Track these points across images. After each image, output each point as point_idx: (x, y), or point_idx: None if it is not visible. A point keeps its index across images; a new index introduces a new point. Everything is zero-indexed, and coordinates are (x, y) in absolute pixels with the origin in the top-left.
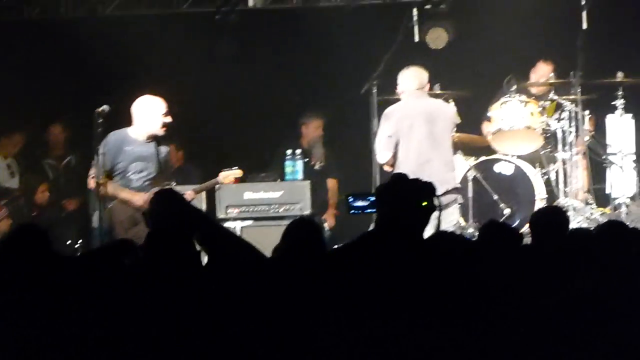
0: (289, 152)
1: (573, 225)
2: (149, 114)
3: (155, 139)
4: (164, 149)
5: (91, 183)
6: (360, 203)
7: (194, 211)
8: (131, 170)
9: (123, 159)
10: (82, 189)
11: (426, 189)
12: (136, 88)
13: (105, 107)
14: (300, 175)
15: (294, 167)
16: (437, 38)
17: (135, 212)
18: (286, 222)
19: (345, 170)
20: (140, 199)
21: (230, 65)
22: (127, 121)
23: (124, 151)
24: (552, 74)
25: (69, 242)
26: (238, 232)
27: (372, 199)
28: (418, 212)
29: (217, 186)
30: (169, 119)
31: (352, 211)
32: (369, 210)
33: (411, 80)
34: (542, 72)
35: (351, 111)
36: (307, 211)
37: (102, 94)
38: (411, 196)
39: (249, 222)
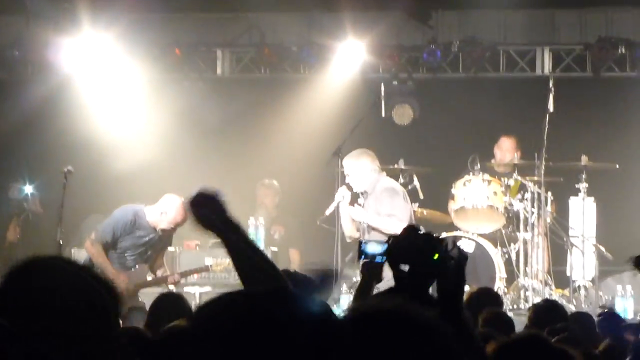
0: (251, 219)
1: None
2: (174, 219)
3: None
4: (165, 238)
5: (88, 246)
6: (372, 250)
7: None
8: (131, 251)
9: (129, 239)
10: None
11: (440, 241)
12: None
13: (70, 168)
14: (261, 244)
15: (256, 235)
16: (403, 114)
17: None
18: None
19: (306, 242)
20: (123, 282)
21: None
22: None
23: (133, 233)
24: (516, 154)
25: None
26: (197, 299)
27: (385, 247)
28: (432, 265)
29: (177, 249)
30: (176, 226)
31: (363, 258)
32: (379, 260)
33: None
34: (506, 147)
35: (313, 181)
36: None
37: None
38: (427, 248)
39: (208, 289)
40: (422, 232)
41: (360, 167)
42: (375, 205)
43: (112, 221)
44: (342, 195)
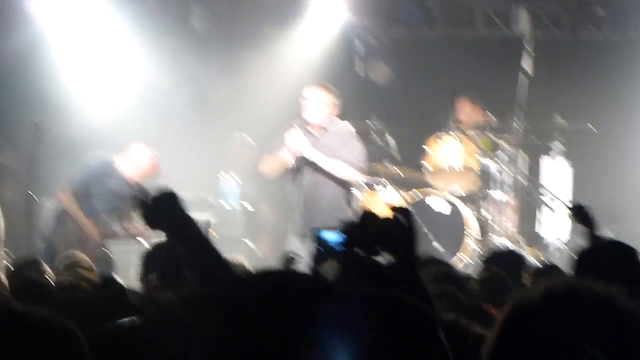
0: (222, 174)
1: None
2: (145, 172)
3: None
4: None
5: (61, 195)
6: (329, 239)
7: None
8: (101, 200)
9: (98, 187)
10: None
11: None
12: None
13: (42, 120)
14: (234, 200)
15: (229, 191)
16: (379, 72)
17: (82, 234)
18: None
19: (280, 199)
20: (96, 234)
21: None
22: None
23: (102, 180)
24: (488, 113)
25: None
26: None
27: (343, 237)
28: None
29: None
30: (147, 181)
31: (321, 248)
32: (338, 249)
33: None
34: (465, 110)
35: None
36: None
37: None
38: (385, 235)
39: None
40: (380, 219)
41: (326, 99)
42: (331, 145)
43: (82, 169)
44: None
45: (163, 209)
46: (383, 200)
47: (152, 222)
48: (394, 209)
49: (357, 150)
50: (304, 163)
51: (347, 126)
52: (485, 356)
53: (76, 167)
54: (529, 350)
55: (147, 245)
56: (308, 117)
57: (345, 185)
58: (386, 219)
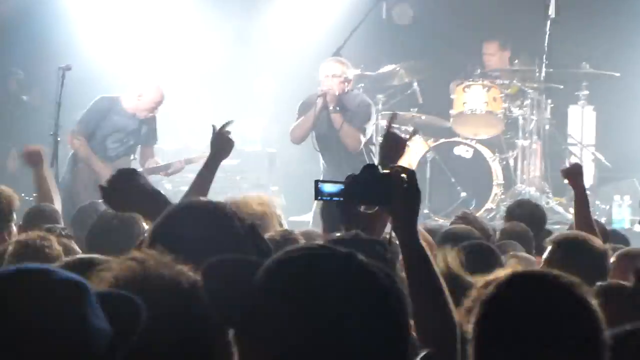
0: (246, 119)
1: None
2: (150, 99)
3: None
4: (146, 127)
5: (71, 140)
6: (329, 189)
7: (154, 196)
8: (110, 139)
9: (106, 126)
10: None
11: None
12: None
13: (68, 65)
14: (258, 145)
15: (252, 134)
16: (403, 14)
17: (98, 178)
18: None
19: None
20: (107, 173)
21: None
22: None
23: (109, 118)
24: (516, 61)
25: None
26: None
27: (341, 187)
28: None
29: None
30: (156, 113)
31: (319, 197)
32: (336, 199)
33: None
34: (489, 51)
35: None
36: (264, 182)
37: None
38: (384, 189)
39: None
40: (380, 173)
41: (341, 73)
42: (352, 115)
43: (88, 109)
44: (330, 86)
45: (122, 190)
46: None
47: (114, 203)
48: (395, 167)
49: (370, 123)
50: (326, 126)
51: (364, 100)
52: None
53: (84, 110)
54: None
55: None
56: (334, 90)
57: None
58: (387, 174)
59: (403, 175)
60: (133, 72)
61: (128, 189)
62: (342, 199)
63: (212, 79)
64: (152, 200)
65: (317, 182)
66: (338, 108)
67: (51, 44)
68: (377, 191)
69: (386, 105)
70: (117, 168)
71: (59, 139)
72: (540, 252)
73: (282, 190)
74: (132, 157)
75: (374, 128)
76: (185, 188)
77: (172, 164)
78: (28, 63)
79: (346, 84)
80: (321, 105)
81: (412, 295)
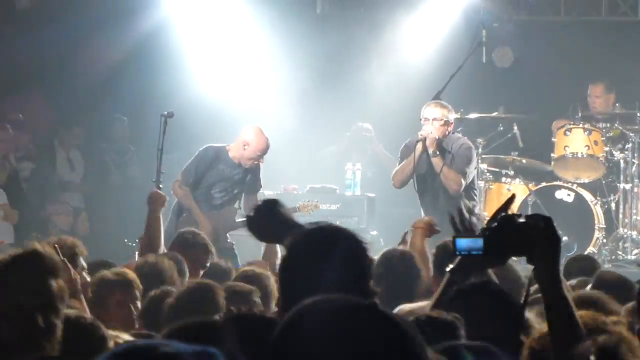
0: (348, 165)
1: (630, 256)
2: (256, 148)
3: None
4: (250, 176)
5: (176, 188)
6: (468, 244)
7: (295, 227)
8: (216, 188)
9: (212, 175)
10: (141, 186)
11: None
12: None
13: (171, 112)
14: (357, 189)
15: (353, 180)
16: (504, 57)
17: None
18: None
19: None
20: (208, 226)
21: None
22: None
23: (215, 168)
24: (610, 100)
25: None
26: None
27: (480, 241)
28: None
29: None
30: (261, 162)
31: (459, 253)
32: (475, 253)
33: None
34: (595, 94)
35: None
36: (363, 225)
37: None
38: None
39: None
40: (519, 223)
41: (443, 117)
42: (452, 158)
43: (194, 159)
44: (430, 130)
45: (266, 218)
46: (511, 193)
47: (257, 232)
48: (532, 216)
49: (472, 166)
50: (426, 169)
51: (466, 142)
52: None
53: (190, 160)
54: None
55: None
56: (425, 135)
57: (467, 189)
58: (525, 224)
59: (541, 223)
60: (236, 118)
61: (270, 218)
62: (481, 252)
63: (312, 123)
64: (293, 230)
65: (454, 237)
66: (438, 152)
67: (154, 91)
68: (518, 242)
69: (487, 149)
70: (221, 217)
71: (161, 185)
72: None
73: (381, 234)
74: (237, 205)
75: (475, 172)
76: None
77: None
78: (132, 110)
79: (447, 127)
80: (421, 150)
81: (554, 340)
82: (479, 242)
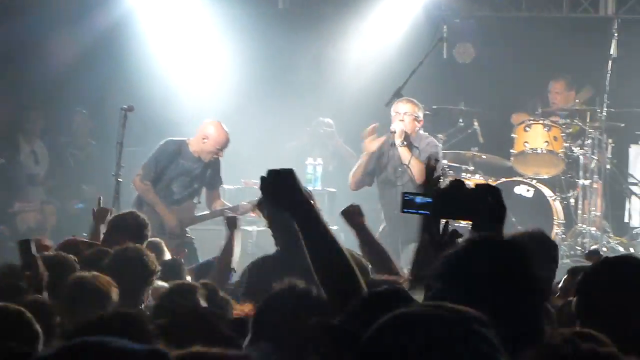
0: (309, 159)
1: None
2: (215, 141)
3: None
4: (210, 170)
5: (137, 182)
6: (419, 201)
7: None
8: (176, 183)
9: (173, 170)
10: (101, 178)
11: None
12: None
13: (131, 105)
14: (319, 184)
15: (314, 174)
16: (465, 53)
17: (161, 223)
18: None
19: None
20: (172, 220)
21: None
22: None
23: (176, 162)
24: (570, 95)
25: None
26: (254, 237)
27: (428, 200)
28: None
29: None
30: (220, 156)
31: (406, 210)
32: (423, 212)
33: None
34: (556, 90)
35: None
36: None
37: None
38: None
39: (264, 227)
40: (468, 188)
41: (413, 113)
42: (420, 153)
43: (154, 153)
44: (400, 126)
45: (285, 187)
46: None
47: (274, 200)
48: (483, 185)
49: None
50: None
51: (433, 140)
52: None
53: (150, 154)
54: None
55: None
56: (401, 131)
57: None
58: (473, 190)
59: (491, 190)
60: (196, 113)
61: (286, 188)
62: (429, 212)
63: (272, 119)
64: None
65: (404, 194)
66: (405, 142)
67: (115, 85)
68: (464, 206)
69: (447, 145)
70: (180, 212)
71: (120, 179)
72: None
73: (342, 229)
74: (196, 200)
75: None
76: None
77: (241, 206)
78: (92, 103)
79: (416, 123)
80: (389, 142)
81: None
82: (427, 202)
